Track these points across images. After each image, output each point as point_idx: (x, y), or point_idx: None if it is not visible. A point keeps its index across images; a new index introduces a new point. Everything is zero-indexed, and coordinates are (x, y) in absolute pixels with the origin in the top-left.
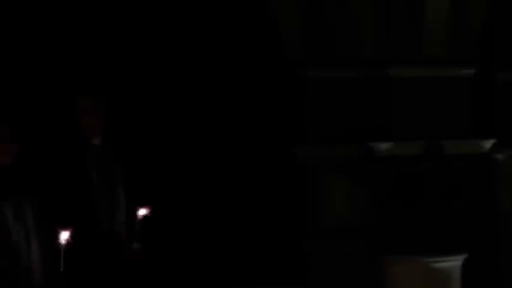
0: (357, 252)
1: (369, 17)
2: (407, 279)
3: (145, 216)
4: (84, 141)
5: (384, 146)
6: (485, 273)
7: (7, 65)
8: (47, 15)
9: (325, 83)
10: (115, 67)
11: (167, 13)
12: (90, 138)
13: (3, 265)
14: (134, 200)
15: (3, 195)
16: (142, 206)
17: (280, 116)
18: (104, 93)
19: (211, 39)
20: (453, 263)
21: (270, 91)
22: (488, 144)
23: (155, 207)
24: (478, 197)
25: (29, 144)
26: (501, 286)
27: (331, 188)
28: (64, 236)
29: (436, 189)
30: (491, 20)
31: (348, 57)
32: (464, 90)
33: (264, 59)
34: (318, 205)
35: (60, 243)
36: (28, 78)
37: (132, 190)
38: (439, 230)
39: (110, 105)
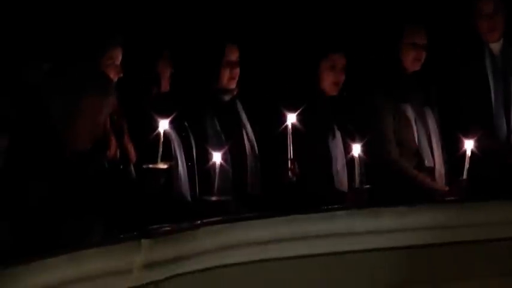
0: None
1: None
2: None
3: None
4: (483, 46)
5: None
6: None
7: None
8: None
9: None
10: None
11: None
12: (489, 43)
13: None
14: None
15: (406, 98)
16: None
17: None
18: None
19: None
20: None
21: None
22: None
23: None
24: None
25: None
26: None
27: None
28: (469, 144)
29: None
30: None
31: None
32: None
33: None
34: None
35: (466, 151)
36: None
37: None
38: None
39: None
